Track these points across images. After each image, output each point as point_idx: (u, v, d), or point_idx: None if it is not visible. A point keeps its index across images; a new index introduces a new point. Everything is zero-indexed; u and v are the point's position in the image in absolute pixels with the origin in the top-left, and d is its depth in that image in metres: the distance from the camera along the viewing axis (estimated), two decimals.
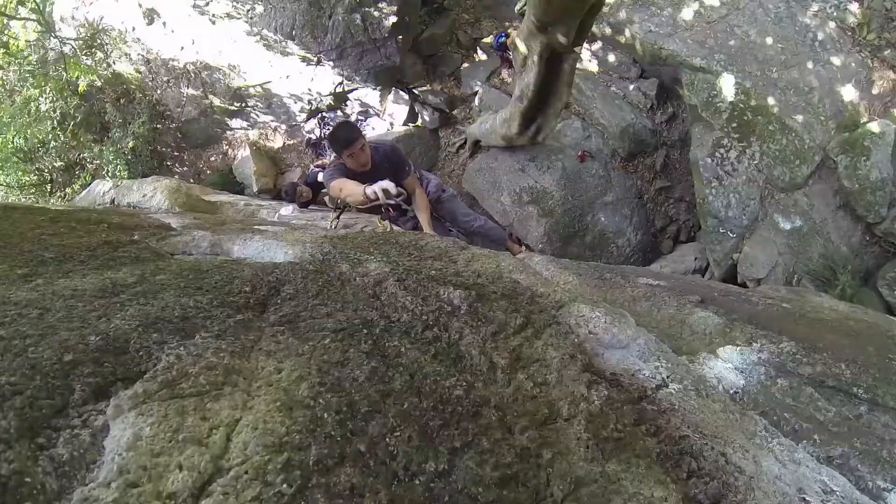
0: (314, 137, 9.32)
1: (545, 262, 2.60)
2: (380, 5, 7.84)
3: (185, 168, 10.08)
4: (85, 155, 9.75)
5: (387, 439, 0.91)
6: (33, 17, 8.82)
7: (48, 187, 10.48)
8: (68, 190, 10.03)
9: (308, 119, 9.33)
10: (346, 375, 1.07)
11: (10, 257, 1.52)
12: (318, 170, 6.93)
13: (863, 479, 1.08)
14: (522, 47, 5.44)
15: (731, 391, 1.38)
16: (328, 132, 3.74)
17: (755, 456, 0.97)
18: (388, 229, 3.59)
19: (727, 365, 1.47)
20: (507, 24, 9.02)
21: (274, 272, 1.75)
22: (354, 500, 0.78)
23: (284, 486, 0.78)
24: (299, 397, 0.97)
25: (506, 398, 1.09)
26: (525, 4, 5.20)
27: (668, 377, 1.23)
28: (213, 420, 0.88)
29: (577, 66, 8.22)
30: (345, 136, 3.81)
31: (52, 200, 10.08)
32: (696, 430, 1.00)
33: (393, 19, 7.84)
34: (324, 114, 9.33)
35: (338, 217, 4.30)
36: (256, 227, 2.76)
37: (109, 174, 9.01)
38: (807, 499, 0.91)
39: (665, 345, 1.53)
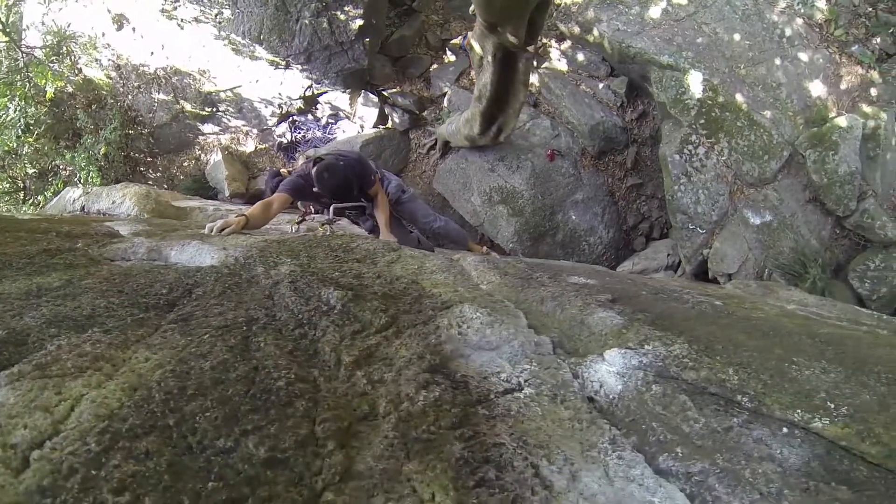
0: (285, 141, 9.27)
1: (475, 262, 2.59)
2: (346, 9, 7.79)
3: (158, 174, 9.99)
4: (57, 162, 9.66)
5: (197, 418, 1.01)
6: None
7: (21, 195, 10.38)
8: (41, 197, 9.93)
9: (279, 123, 9.28)
10: (198, 365, 1.18)
11: None
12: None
13: (719, 499, 1.01)
14: (477, 48, 5.40)
15: (610, 397, 1.32)
16: (318, 176, 3.66)
17: (577, 471, 0.92)
18: (329, 233, 3.56)
19: (610, 368, 1.41)
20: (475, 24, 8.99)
21: (195, 275, 1.86)
22: (145, 461, 0.90)
23: (94, 445, 0.91)
24: (147, 381, 1.10)
25: (336, 393, 1.15)
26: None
27: (525, 381, 1.19)
28: (64, 395, 1.03)
29: (546, 64, 8.22)
30: (334, 186, 3.76)
31: (24, 208, 9.98)
32: (519, 438, 0.97)
33: (359, 22, 7.79)
34: (294, 117, 9.27)
35: (299, 223, 4.29)
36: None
37: (82, 181, 8.91)
38: None
39: (550, 347, 1.49)
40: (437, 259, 2.48)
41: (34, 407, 0.99)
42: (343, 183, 3.72)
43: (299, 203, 6.23)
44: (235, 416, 1.03)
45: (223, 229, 2.83)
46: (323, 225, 3.70)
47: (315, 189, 3.74)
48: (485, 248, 5.11)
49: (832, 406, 1.32)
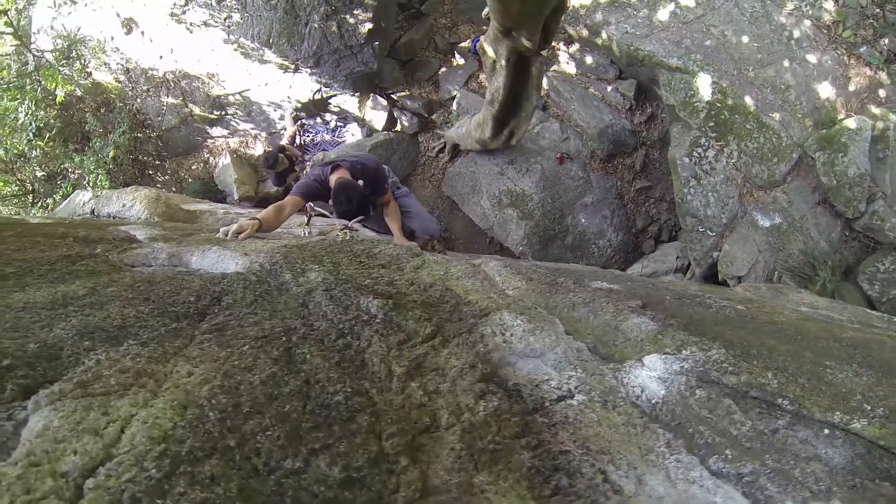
0: (295, 143, 9.29)
1: (499, 266, 2.59)
2: (355, 12, 7.82)
3: (166, 177, 10.02)
4: (66, 165, 9.69)
5: (258, 437, 0.97)
6: (8, 30, 8.77)
7: (30, 198, 10.42)
8: (50, 200, 9.96)
9: (293, 124, 9.31)
10: (246, 379, 1.14)
11: None
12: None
13: (772, 499, 1.03)
14: (490, 52, 5.42)
15: (653, 401, 1.34)
16: (335, 197, 3.67)
17: (642, 475, 0.94)
18: (348, 237, 3.57)
19: (651, 374, 1.43)
20: (484, 28, 9.00)
21: (221, 283, 1.81)
22: (212, 487, 0.85)
23: (155, 471, 0.86)
24: (196, 398, 1.05)
25: (394, 405, 1.12)
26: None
27: (575, 388, 1.20)
28: (112, 415, 0.97)
29: (555, 68, 8.24)
30: (352, 210, 3.76)
31: (33, 211, 10.01)
32: (582, 445, 0.98)
33: (368, 26, 7.82)
34: (303, 121, 9.30)
35: (308, 223, 4.28)
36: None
37: (91, 184, 8.95)
38: None
39: (588, 353, 1.50)
40: (461, 264, 2.48)
41: (82, 430, 0.93)
42: (358, 207, 3.70)
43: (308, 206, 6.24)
44: (298, 435, 1.00)
45: (238, 233, 2.82)
46: (342, 230, 3.70)
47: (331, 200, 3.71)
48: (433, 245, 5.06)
49: (868, 408, 1.35)
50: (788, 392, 1.37)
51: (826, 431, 1.25)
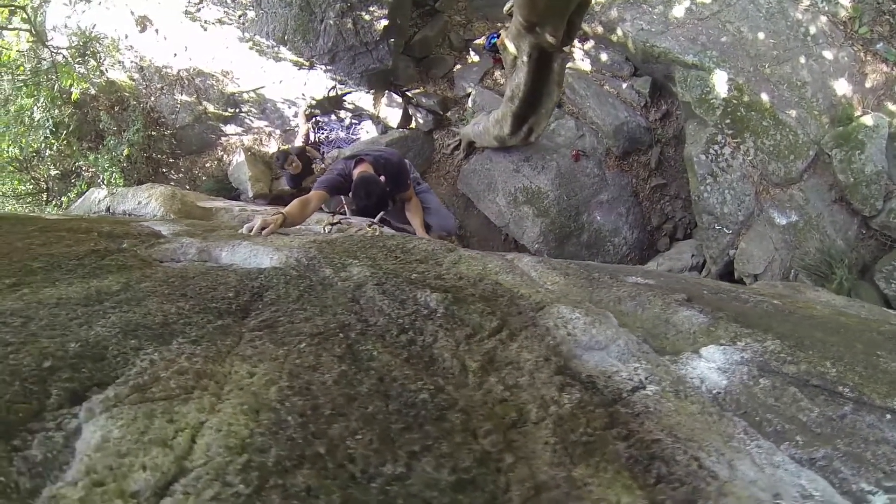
0: (309, 141, 9.31)
1: (533, 262, 2.58)
2: (370, 9, 7.83)
3: (180, 174, 10.06)
4: (80, 163, 9.72)
5: (347, 442, 0.91)
6: (25, 27, 8.81)
7: (44, 196, 10.45)
8: (64, 198, 10.00)
9: (306, 122, 9.33)
10: (316, 379, 1.07)
11: None
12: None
13: (846, 481, 1.06)
14: (512, 48, 5.42)
15: (714, 392, 1.36)
16: (355, 191, 3.67)
17: (731, 460, 0.95)
18: (377, 233, 3.58)
19: (710, 364, 1.45)
20: (498, 24, 9.01)
21: (258, 278, 1.75)
22: (310, 501, 0.79)
23: (242, 486, 0.78)
24: (266, 400, 0.98)
25: (475, 402, 1.08)
26: (513, 5, 5.19)
27: (646, 379, 1.21)
28: (179, 423, 0.89)
29: (570, 65, 8.24)
30: (371, 205, 3.80)
31: (48, 209, 10.05)
32: (670, 433, 0.99)
33: (384, 22, 7.83)
34: (317, 118, 9.32)
35: (331, 223, 4.27)
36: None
37: (105, 182, 8.98)
38: None
39: (647, 345, 1.51)
40: (496, 259, 2.47)
41: (149, 441, 0.84)
42: (377, 202, 3.73)
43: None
44: (390, 437, 0.94)
45: (262, 229, 2.76)
46: (371, 225, 3.71)
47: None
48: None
49: None
50: (847, 380, 1.39)
51: (888, 416, 1.27)
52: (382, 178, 3.82)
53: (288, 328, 1.34)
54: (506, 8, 5.98)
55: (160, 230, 2.65)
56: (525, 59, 5.21)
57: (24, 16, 8.51)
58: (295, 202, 3.37)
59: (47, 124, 8.78)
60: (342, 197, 4.14)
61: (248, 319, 1.42)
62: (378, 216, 3.86)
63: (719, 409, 1.19)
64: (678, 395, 1.17)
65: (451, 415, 1.02)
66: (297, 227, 3.57)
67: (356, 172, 3.81)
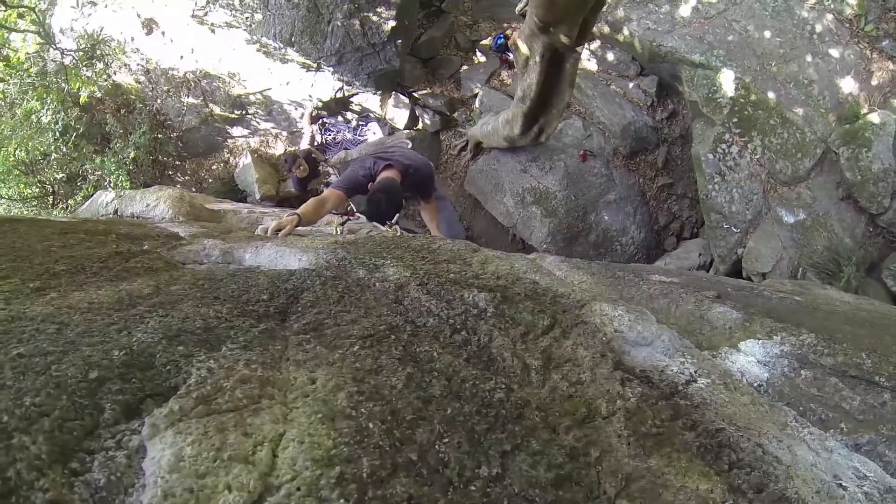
0: (315, 143, 9.33)
1: (557, 261, 2.60)
2: (378, 10, 7.86)
3: (186, 177, 10.08)
4: (86, 166, 9.74)
5: (436, 446, 0.89)
6: (33, 28, 8.84)
7: (50, 199, 10.47)
8: (70, 202, 10.02)
9: (311, 124, 9.35)
10: (383, 383, 1.05)
11: (20, 271, 1.49)
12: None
13: (891, 464, 1.10)
14: (524, 48, 5.45)
15: (756, 384, 1.39)
16: (372, 196, 3.49)
17: (789, 446, 0.99)
18: (398, 234, 3.59)
19: (750, 358, 1.48)
20: (504, 25, 9.05)
21: (290, 279, 1.73)
22: None
23: (341, 500, 0.75)
24: (339, 407, 0.94)
25: (543, 399, 1.09)
26: (526, 5, 5.22)
27: (695, 372, 1.24)
28: (256, 436, 0.84)
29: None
30: (386, 210, 3.60)
31: (54, 212, 10.06)
32: (731, 422, 1.02)
33: (392, 23, 7.86)
34: (324, 119, 9.34)
35: (343, 224, 4.27)
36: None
37: (112, 185, 9.01)
38: (843, 484, 0.93)
39: (687, 341, 1.55)
40: (521, 259, 2.48)
41: (228, 458, 0.78)
42: (386, 211, 3.53)
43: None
44: (476, 439, 0.92)
45: (278, 230, 2.71)
46: (392, 226, 3.71)
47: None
48: None
49: None
50: (883, 371, 1.42)
51: None
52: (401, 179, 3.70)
53: (336, 331, 1.31)
54: (518, 8, 6.01)
55: (178, 232, 2.57)
56: (538, 59, 5.24)
57: (34, 17, 8.52)
58: (310, 202, 3.29)
59: (56, 127, 8.80)
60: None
61: (289, 322, 1.39)
62: (395, 217, 3.74)
63: (769, 399, 1.23)
64: (728, 387, 1.21)
65: (529, 412, 1.02)
66: (308, 228, 3.50)
67: (381, 176, 3.67)
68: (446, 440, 0.90)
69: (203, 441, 0.80)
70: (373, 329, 1.32)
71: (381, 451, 0.85)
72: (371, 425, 0.90)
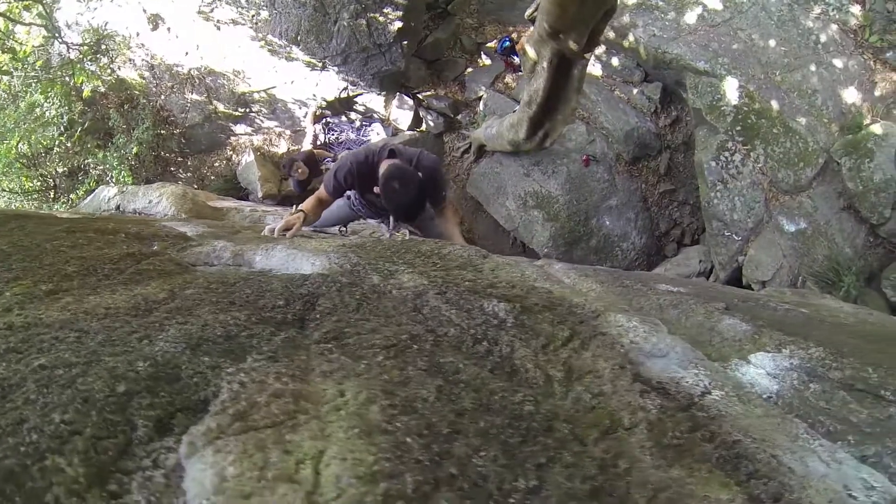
0: (319, 142, 9.36)
1: (565, 269, 2.60)
2: (385, 10, 7.89)
3: (188, 174, 10.09)
4: (88, 161, 9.75)
5: (474, 460, 0.87)
6: (39, 21, 8.85)
7: (51, 193, 10.47)
8: (72, 196, 10.01)
9: (313, 124, 9.38)
10: (415, 395, 1.02)
11: (30, 271, 1.46)
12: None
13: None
14: (532, 53, 5.47)
15: (765, 396, 1.42)
16: (385, 183, 2.81)
17: (802, 457, 1.01)
18: (406, 237, 3.56)
19: (760, 370, 1.51)
20: (510, 28, 9.09)
21: (304, 285, 1.67)
22: None
23: None
24: (374, 422, 0.92)
25: (568, 410, 1.10)
26: (535, 11, 5.24)
27: (709, 384, 1.26)
28: (296, 453, 0.81)
29: None
30: (405, 203, 2.96)
31: (55, 206, 10.06)
32: (746, 434, 1.04)
33: (398, 24, 7.89)
34: (328, 119, 9.37)
35: (345, 225, 4.19)
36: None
37: (113, 180, 9.01)
38: (853, 494, 0.95)
39: (699, 352, 1.57)
40: (530, 266, 2.48)
41: (272, 478, 0.76)
42: (415, 202, 2.97)
43: None
44: (511, 452, 0.91)
45: (285, 230, 2.63)
46: (401, 231, 3.68)
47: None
48: None
49: None
50: (889, 385, 1.45)
51: None
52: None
53: (358, 340, 1.27)
54: (527, 13, 6.03)
55: (185, 231, 2.50)
56: (545, 64, 5.26)
57: (41, 10, 8.53)
58: (311, 199, 3.13)
59: (62, 121, 8.80)
60: (350, 193, 3.53)
61: (308, 330, 1.35)
62: (401, 227, 3.43)
63: (780, 411, 1.26)
64: (741, 399, 1.23)
65: (558, 425, 1.02)
66: (308, 228, 3.39)
67: (384, 165, 3.09)
68: (482, 453, 0.89)
69: (244, 460, 0.78)
70: (395, 338, 1.29)
71: (421, 466, 0.83)
72: (409, 440, 0.88)
